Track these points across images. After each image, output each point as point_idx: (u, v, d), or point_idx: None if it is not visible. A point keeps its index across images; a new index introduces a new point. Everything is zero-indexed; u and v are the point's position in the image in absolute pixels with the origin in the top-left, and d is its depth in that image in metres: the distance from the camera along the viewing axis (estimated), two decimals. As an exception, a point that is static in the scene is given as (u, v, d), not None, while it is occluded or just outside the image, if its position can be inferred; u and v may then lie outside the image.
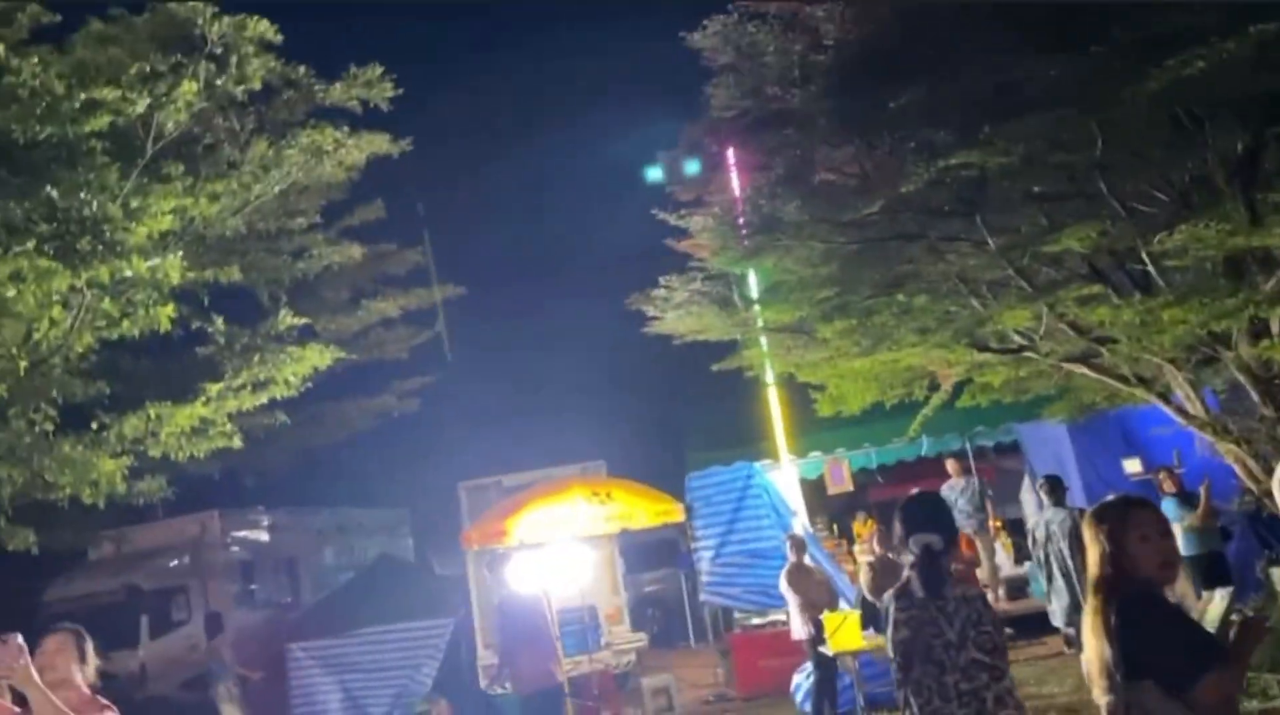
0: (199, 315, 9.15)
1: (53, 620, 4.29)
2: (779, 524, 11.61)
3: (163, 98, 7.04)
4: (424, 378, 17.09)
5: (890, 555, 9.82)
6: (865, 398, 10.72)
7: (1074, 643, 7.98)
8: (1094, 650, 2.70)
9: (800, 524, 12.06)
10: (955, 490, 12.34)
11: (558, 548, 10.19)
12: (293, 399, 9.38)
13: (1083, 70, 6.62)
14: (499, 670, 8.17)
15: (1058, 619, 8.13)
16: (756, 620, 12.24)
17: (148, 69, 7.00)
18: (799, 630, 9.28)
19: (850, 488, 14.29)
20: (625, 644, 12.74)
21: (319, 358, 8.77)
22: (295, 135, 8.27)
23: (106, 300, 6.91)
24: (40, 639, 3.66)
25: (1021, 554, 12.44)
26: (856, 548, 14.67)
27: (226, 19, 7.19)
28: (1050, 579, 8.04)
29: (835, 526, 16.85)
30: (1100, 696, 2.71)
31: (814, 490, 14.48)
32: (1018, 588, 12.34)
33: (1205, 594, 7.17)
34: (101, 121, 6.85)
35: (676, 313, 10.03)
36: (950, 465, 12.82)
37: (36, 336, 6.97)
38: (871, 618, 8.85)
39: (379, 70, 8.41)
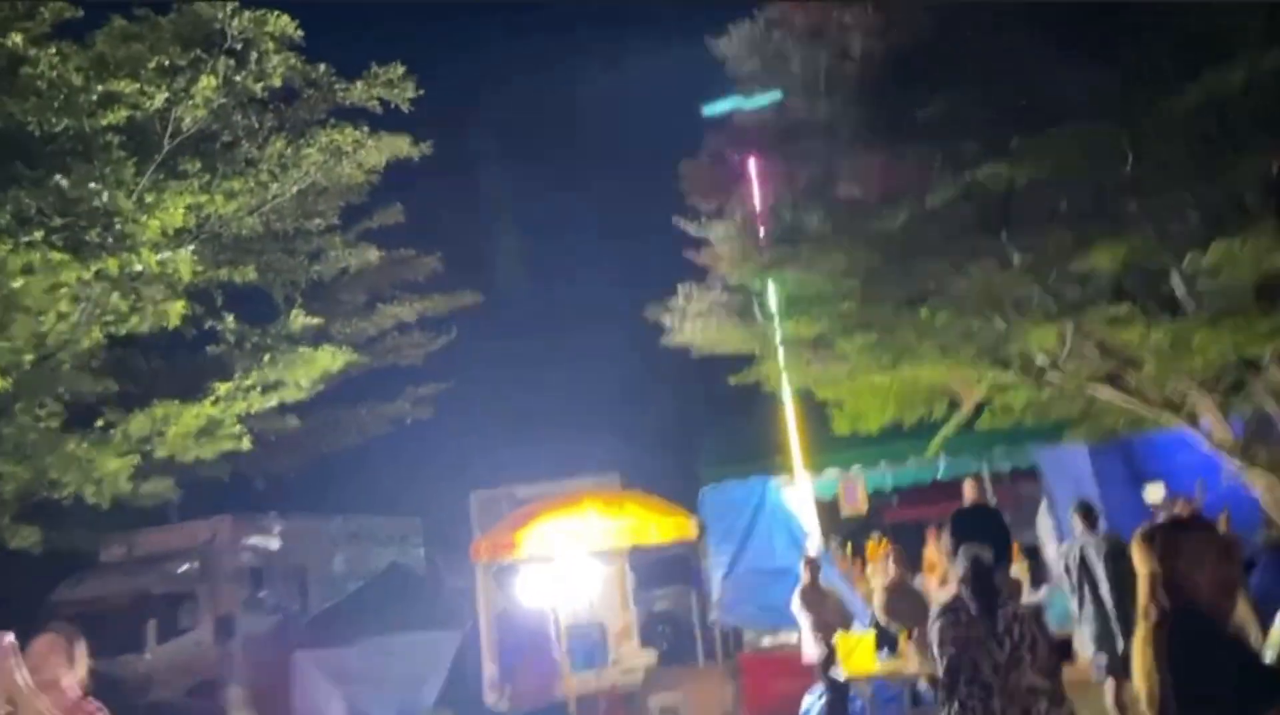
0: (212, 314, 9.07)
1: (58, 623, 4.21)
2: (792, 543, 11.42)
3: (181, 92, 7.00)
4: (439, 384, 16.98)
5: (905, 577, 9.64)
6: (884, 416, 10.52)
7: (1102, 670, 7.75)
8: (1144, 681, 2.52)
9: (814, 544, 11.85)
10: (968, 514, 12.08)
11: (567, 561, 10.02)
12: (305, 403, 9.31)
13: (1117, 81, 6.48)
14: (499, 686, 8.01)
15: (1087, 646, 7.92)
16: (768, 641, 12.01)
17: (167, 63, 6.94)
18: (811, 652, 9.08)
19: (864, 509, 14.06)
20: (633, 662, 12.52)
21: (331, 360, 8.66)
22: (314, 134, 8.20)
23: (116, 295, 6.84)
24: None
25: (1038, 579, 12.16)
26: (869, 569, 14.41)
27: (247, 14, 7.14)
28: (1081, 604, 7.83)
29: (849, 546, 16.59)
30: None
31: (828, 511, 14.24)
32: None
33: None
34: (119, 115, 6.82)
35: (694, 324, 9.88)
36: (967, 488, 12.58)
37: (44, 330, 6.90)
38: (885, 640, 8.67)
39: (401, 70, 8.34)
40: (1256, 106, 6.40)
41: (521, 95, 32.92)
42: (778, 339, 9.91)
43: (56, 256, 6.21)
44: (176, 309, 7.02)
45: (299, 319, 8.62)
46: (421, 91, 8.45)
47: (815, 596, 9.16)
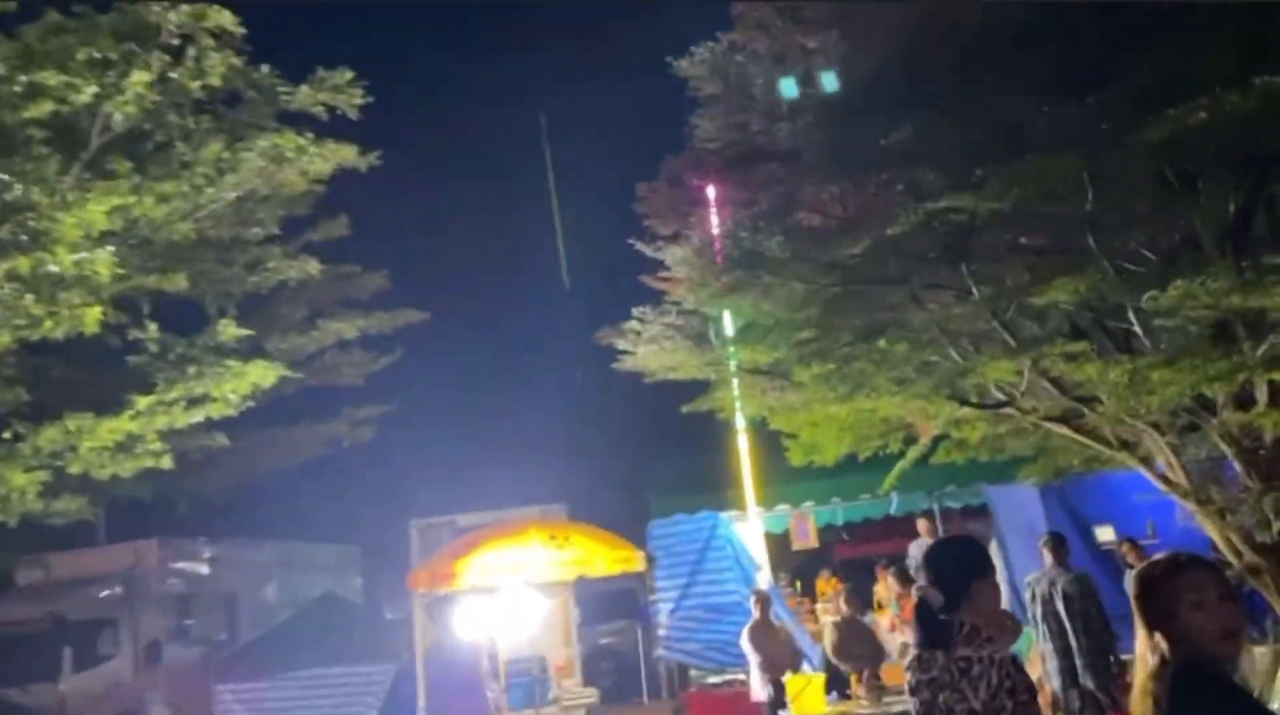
0: (139, 324, 8.58)
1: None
2: (742, 578, 11.19)
3: (112, 87, 6.59)
4: (379, 406, 16.46)
5: (856, 615, 9.42)
6: (839, 448, 10.37)
7: (1060, 705, 7.63)
8: None
9: (764, 579, 11.62)
10: (923, 549, 11.97)
11: (509, 593, 9.65)
12: (236, 420, 8.84)
13: (1082, 116, 6.43)
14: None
15: (1052, 680, 7.81)
16: (714, 679, 11.70)
17: (97, 56, 6.55)
18: (759, 691, 8.80)
19: (815, 544, 13.93)
20: (575, 699, 12.15)
21: (263, 375, 8.22)
22: (255, 139, 7.81)
23: (29, 297, 6.37)
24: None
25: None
26: (819, 606, 14.23)
27: (185, 8, 6.77)
28: (1046, 638, 7.72)
29: (799, 584, 16.40)
30: None
31: (779, 545, 14.05)
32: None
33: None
34: (43, 108, 6.41)
35: (648, 348, 9.66)
36: (921, 525, 12.55)
37: (-54, 332, 6.42)
38: (836, 681, 8.43)
39: (348, 75, 8.01)
40: (1217, 146, 6.39)
41: (476, 109, 32.70)
42: (733, 366, 9.74)
43: (-41, 253, 5.78)
44: (94, 314, 6.56)
45: (229, 330, 8.16)
46: (371, 99, 8.13)
47: (765, 633, 8.90)
